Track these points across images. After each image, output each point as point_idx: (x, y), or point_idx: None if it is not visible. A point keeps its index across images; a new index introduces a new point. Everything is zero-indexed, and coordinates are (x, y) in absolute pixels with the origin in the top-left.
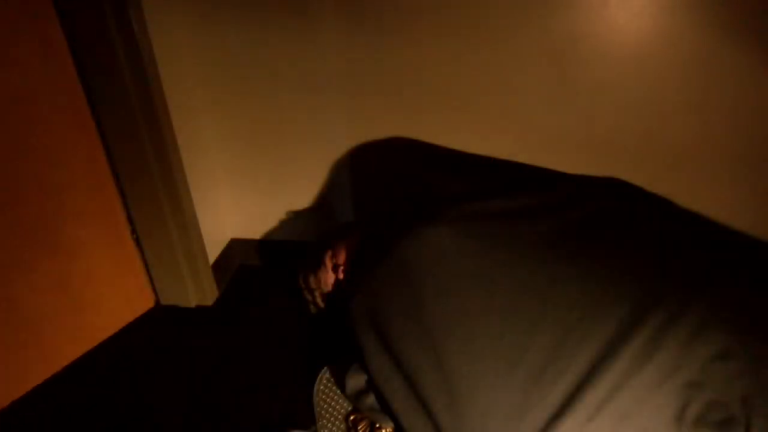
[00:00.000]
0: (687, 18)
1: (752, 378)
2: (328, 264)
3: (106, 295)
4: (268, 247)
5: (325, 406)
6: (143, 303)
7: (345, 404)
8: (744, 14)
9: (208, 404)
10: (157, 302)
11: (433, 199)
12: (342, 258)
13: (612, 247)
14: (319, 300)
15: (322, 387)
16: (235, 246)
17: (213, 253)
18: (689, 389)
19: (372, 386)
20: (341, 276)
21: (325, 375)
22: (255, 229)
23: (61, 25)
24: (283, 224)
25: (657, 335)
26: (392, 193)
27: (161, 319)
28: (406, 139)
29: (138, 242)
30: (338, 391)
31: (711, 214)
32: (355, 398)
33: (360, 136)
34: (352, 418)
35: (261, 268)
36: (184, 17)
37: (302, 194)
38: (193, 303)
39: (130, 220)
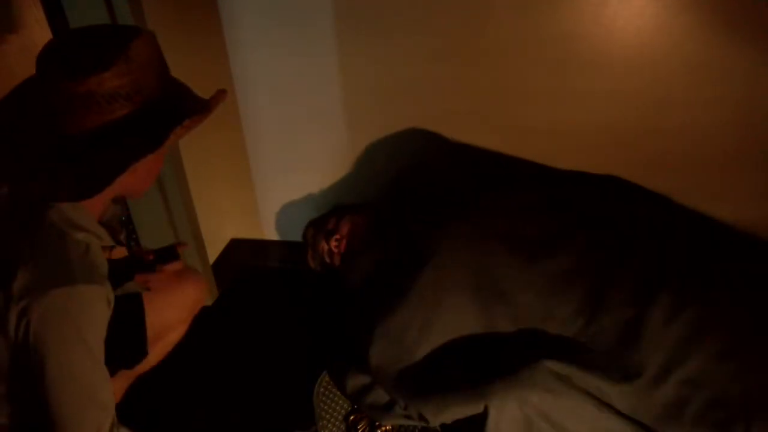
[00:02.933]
0: (687, 18)
1: (752, 378)
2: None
3: None
4: (268, 247)
5: (325, 407)
6: None
7: (345, 404)
8: (744, 14)
9: (208, 404)
10: None
11: (439, 196)
12: (349, 229)
13: (611, 246)
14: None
15: (322, 389)
16: (235, 246)
17: (213, 253)
18: (688, 387)
19: (368, 369)
20: (342, 248)
21: (325, 378)
22: (255, 229)
23: None
24: (283, 224)
25: (657, 335)
26: (399, 186)
27: None
28: (407, 135)
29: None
30: (338, 392)
31: (710, 213)
32: (355, 397)
33: (360, 136)
34: (352, 418)
35: (261, 268)
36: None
37: (303, 194)
38: None
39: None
